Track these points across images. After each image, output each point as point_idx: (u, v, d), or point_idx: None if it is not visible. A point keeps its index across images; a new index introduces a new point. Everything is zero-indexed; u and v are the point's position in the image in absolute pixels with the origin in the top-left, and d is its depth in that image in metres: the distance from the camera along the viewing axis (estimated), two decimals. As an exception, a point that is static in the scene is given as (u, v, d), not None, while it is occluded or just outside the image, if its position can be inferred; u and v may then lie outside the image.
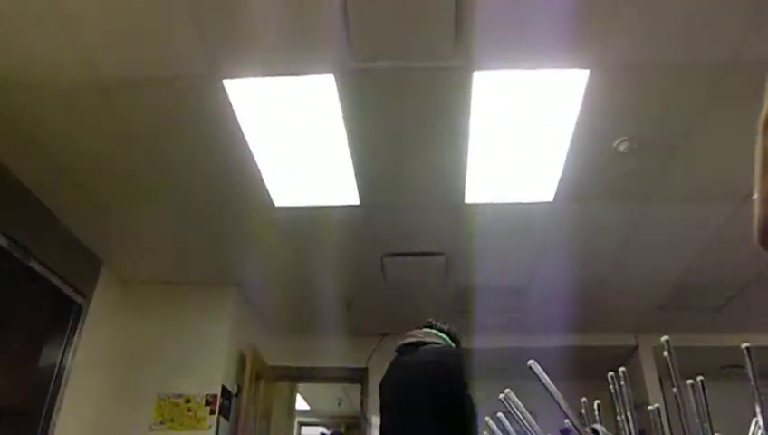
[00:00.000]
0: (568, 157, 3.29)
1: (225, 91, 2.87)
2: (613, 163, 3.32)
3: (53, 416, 3.89)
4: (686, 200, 3.69)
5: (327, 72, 2.77)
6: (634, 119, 3.04)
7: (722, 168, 3.34)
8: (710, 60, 2.67)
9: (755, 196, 0.60)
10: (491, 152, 3.32)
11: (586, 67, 2.72)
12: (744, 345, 1.19)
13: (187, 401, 4.50)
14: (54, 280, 3.91)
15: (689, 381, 1.31)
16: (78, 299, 4.21)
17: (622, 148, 3.18)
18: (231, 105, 2.96)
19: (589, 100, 2.88)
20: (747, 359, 1.19)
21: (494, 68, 2.74)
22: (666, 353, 1.29)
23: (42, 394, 3.88)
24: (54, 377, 3.96)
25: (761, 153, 0.60)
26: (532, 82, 2.82)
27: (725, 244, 4.04)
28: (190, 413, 4.47)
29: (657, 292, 4.93)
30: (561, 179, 3.48)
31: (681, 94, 2.87)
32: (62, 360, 4.04)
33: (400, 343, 2.71)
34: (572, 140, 3.16)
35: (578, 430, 1.42)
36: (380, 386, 2.68)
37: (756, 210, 0.60)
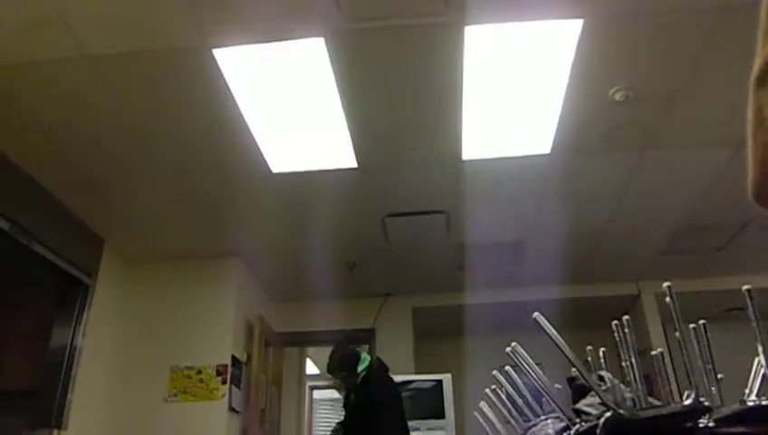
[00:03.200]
0: (564, 108, 3.26)
1: (215, 60, 2.83)
2: (610, 112, 3.30)
3: (69, 394, 3.95)
4: (685, 146, 3.68)
5: (317, 36, 2.73)
6: (629, 67, 3.01)
7: (719, 113, 3.31)
8: (704, 4, 2.62)
9: (749, 155, 0.59)
10: (486, 107, 3.30)
11: (579, 17, 2.67)
12: (744, 287, 1.21)
13: (199, 372, 4.57)
14: (58, 261, 3.93)
15: (692, 326, 1.34)
16: (84, 279, 4.24)
17: (618, 97, 3.16)
18: (222, 75, 2.92)
19: (582, 50, 2.84)
20: (748, 300, 1.21)
21: (486, 22, 2.70)
22: (668, 299, 1.31)
23: (56, 373, 3.94)
24: (67, 356, 4.01)
25: (753, 112, 0.59)
26: (524, 35, 2.78)
27: (724, 186, 4.03)
28: (202, 384, 4.54)
29: (657, 237, 4.95)
30: (557, 131, 3.47)
31: (676, 41, 2.84)
32: (72, 339, 4.08)
33: (380, 361, 3.82)
34: (567, 92, 3.13)
35: (584, 378, 1.45)
36: (382, 394, 3.59)
37: (750, 171, 0.59)
